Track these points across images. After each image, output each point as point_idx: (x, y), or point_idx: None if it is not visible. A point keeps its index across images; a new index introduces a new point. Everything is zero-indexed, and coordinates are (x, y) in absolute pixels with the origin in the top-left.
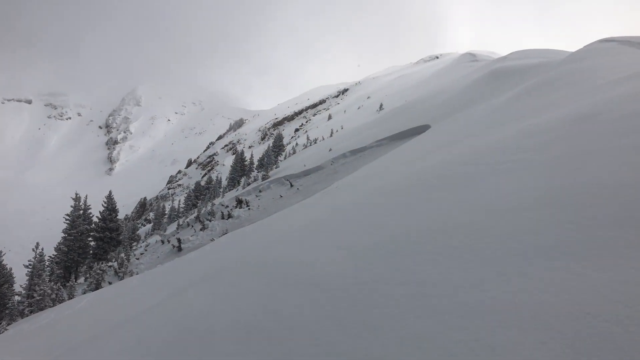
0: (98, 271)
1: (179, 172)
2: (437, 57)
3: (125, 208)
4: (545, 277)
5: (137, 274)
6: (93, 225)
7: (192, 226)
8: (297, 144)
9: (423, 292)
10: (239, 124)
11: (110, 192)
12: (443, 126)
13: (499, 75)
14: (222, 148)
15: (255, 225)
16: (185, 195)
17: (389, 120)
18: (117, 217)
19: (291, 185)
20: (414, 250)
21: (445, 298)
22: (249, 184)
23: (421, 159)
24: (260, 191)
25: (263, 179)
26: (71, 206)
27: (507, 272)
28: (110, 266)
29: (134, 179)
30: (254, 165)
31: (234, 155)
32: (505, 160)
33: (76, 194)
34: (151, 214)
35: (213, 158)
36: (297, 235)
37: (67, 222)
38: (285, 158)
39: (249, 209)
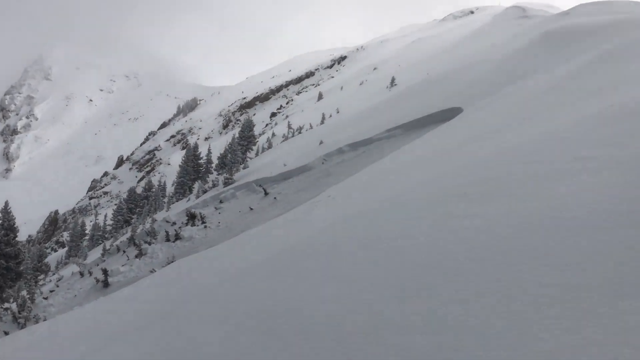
0: None
1: (106, 174)
2: (472, 12)
3: (28, 226)
4: None
5: (45, 319)
6: None
7: (124, 252)
8: (273, 135)
9: None
10: (191, 106)
11: (6, 203)
12: (481, 109)
13: (559, 38)
14: (167, 140)
15: (215, 251)
16: (115, 207)
17: (403, 101)
18: (17, 239)
19: (265, 194)
20: (450, 296)
21: None
22: (205, 192)
23: (452, 155)
24: (221, 202)
25: (226, 184)
26: None
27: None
28: (6, 309)
29: (41, 185)
30: (213, 165)
31: (184, 151)
32: (578, 157)
33: None
34: (65, 234)
35: (154, 155)
36: (272, 267)
37: None
38: (257, 154)
39: (205, 227)
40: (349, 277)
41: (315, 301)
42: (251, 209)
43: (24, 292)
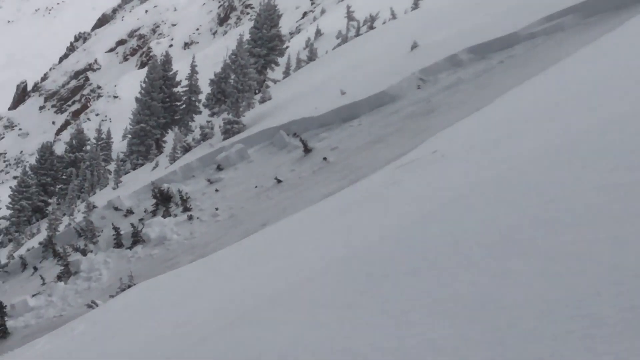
0: None
1: None
2: None
3: None
4: None
5: None
6: None
7: (35, 269)
8: (318, 33)
9: None
10: None
11: None
12: None
13: None
14: (111, 51)
15: (211, 265)
16: (15, 183)
17: None
18: None
19: (306, 150)
20: None
21: None
22: (187, 150)
23: None
24: (220, 168)
25: (227, 133)
26: None
27: None
28: None
29: None
30: (201, 98)
31: (145, 70)
32: None
33: None
34: None
35: (86, 79)
36: (340, 302)
37: None
38: (286, 75)
39: (190, 217)
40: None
41: None
42: (278, 180)
43: None
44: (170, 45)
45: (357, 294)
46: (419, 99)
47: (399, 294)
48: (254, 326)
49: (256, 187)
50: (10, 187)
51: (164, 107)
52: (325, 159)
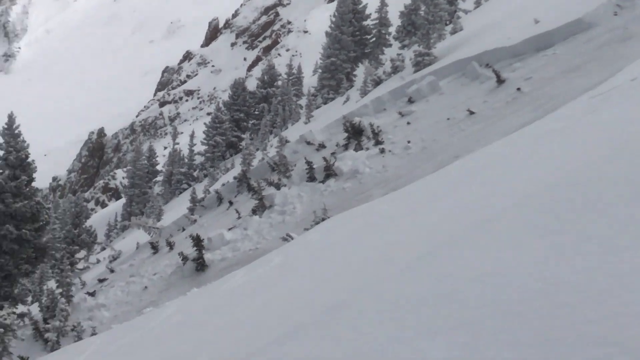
0: None
1: (187, 57)
2: None
3: (50, 159)
4: None
5: (94, 333)
6: None
7: (231, 203)
8: None
9: None
10: None
11: (11, 118)
12: None
13: None
14: None
15: (405, 197)
16: (209, 120)
17: None
18: (33, 184)
19: (499, 81)
20: None
21: None
22: (378, 83)
23: None
24: (411, 101)
25: (418, 65)
26: None
27: None
28: (21, 316)
29: (67, 80)
30: (390, 31)
31: (335, 3)
32: None
33: None
34: (119, 173)
35: (277, 14)
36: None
37: None
38: (478, 4)
39: (382, 150)
40: None
41: None
42: (470, 112)
43: (52, 285)
44: None
45: (561, 222)
46: (616, 26)
47: (605, 222)
48: (459, 250)
49: (448, 119)
50: (205, 124)
51: (354, 40)
52: (518, 89)
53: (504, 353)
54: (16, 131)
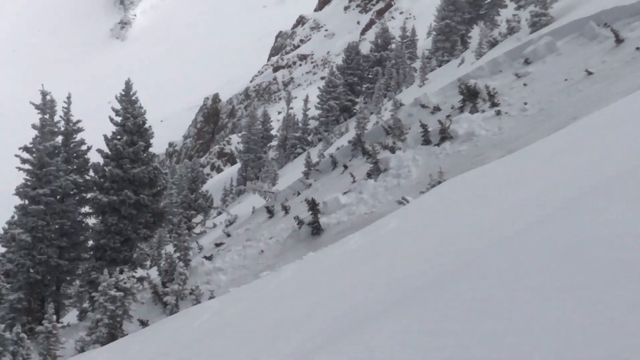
0: (109, 294)
1: (301, 21)
2: None
3: (166, 125)
4: None
5: (212, 297)
6: (92, 173)
7: (345, 167)
8: None
9: None
10: None
11: (128, 85)
12: None
13: None
14: None
15: (522, 160)
16: (323, 84)
17: None
18: (150, 149)
19: (617, 40)
20: None
21: None
22: (493, 44)
23: None
24: (528, 62)
25: (535, 26)
26: (34, 126)
27: None
28: (140, 279)
29: (184, 50)
30: None
31: None
32: None
33: (42, 92)
34: (234, 137)
35: None
36: None
37: (30, 170)
38: None
39: (498, 112)
40: None
41: None
42: (589, 72)
43: (169, 249)
44: None
45: None
46: None
47: None
48: (574, 216)
49: (566, 80)
50: (319, 88)
51: (468, 2)
52: (638, 48)
53: (627, 316)
54: (133, 98)
